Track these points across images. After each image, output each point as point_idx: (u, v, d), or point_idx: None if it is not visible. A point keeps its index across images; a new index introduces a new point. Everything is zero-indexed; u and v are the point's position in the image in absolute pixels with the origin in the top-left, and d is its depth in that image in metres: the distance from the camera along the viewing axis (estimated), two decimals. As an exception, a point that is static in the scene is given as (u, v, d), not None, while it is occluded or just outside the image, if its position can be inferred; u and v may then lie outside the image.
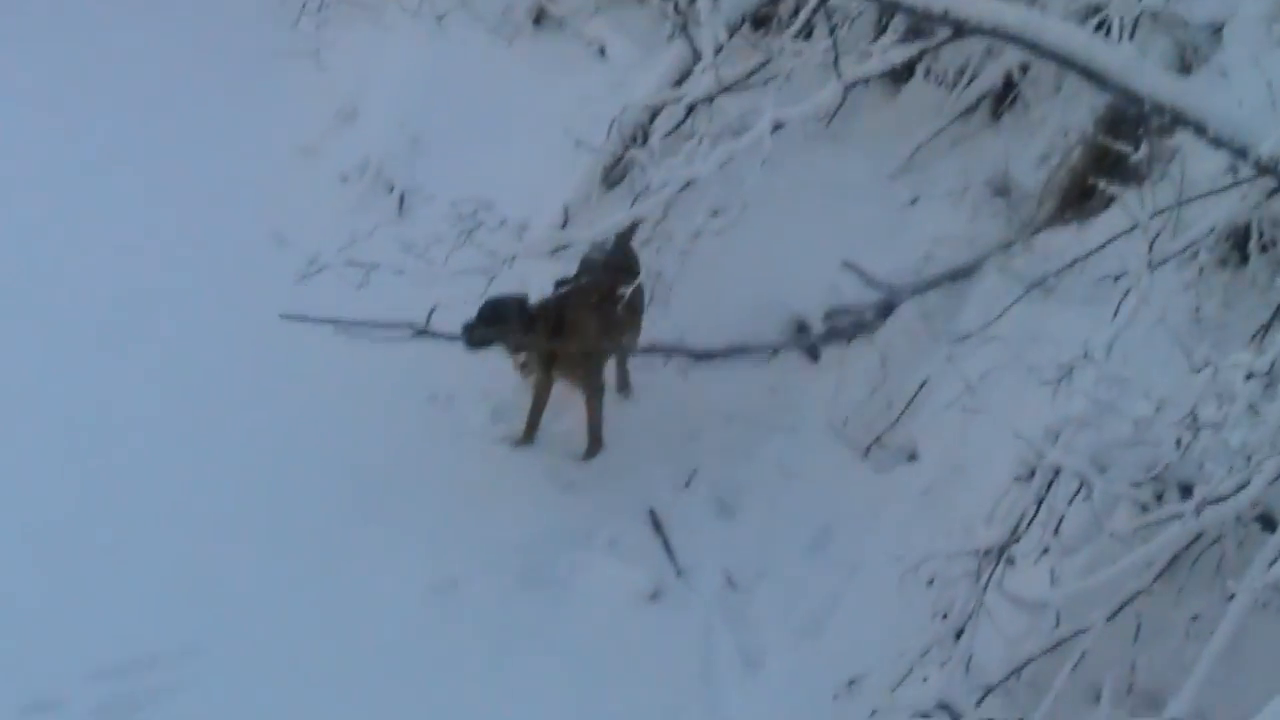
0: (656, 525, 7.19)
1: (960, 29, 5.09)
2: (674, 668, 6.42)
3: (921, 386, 7.73)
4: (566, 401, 7.85)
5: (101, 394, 7.63)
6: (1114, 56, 5.01)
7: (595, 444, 7.79)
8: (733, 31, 8.29)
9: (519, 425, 7.81)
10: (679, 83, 8.76)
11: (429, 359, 8.00)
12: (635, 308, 7.70)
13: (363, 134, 10.25)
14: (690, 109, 8.47)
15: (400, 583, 6.64)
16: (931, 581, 5.34)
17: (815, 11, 8.34)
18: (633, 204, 7.72)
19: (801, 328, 8.59)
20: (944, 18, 5.04)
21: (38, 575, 6.41)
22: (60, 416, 7.44)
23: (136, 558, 6.55)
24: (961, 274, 7.22)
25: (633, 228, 7.17)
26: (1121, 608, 4.93)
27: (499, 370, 7.91)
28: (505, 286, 7.02)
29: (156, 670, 6.04)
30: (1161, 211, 5.63)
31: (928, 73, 9.29)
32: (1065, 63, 5.09)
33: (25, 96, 10.70)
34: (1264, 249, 6.18)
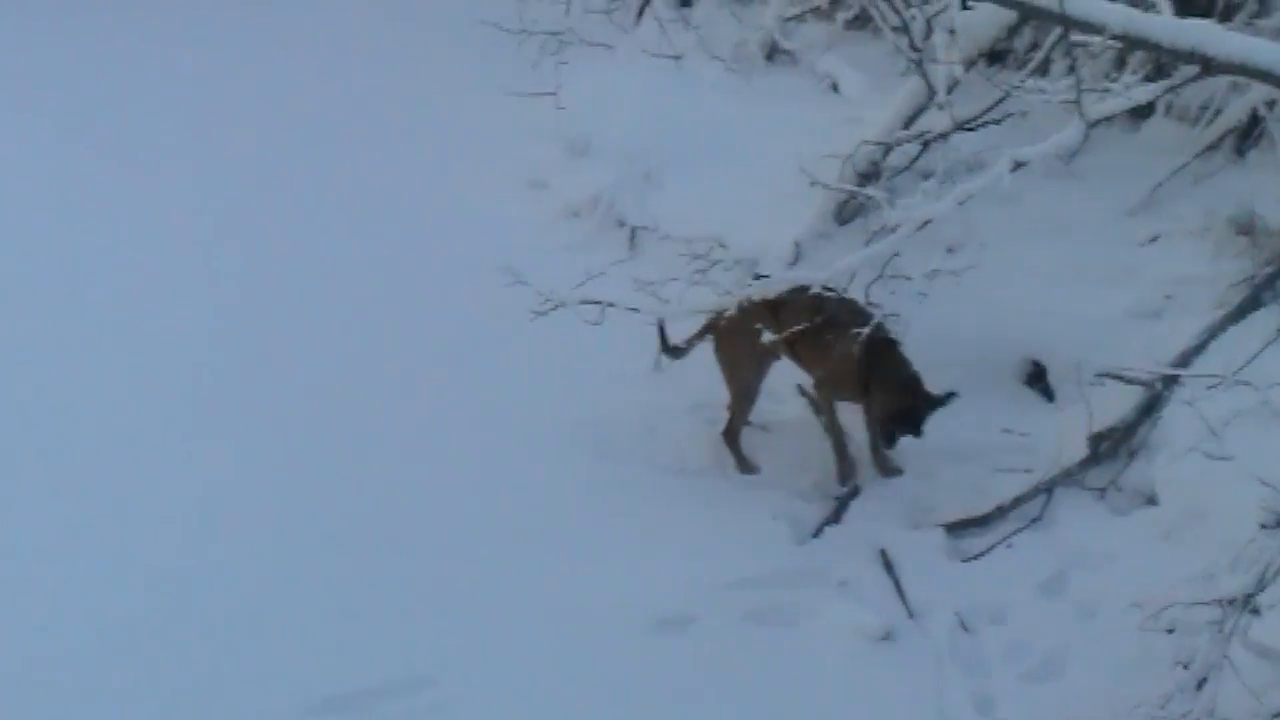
0: (888, 566, 7.12)
1: (1208, 66, 4.98)
2: (905, 711, 6.32)
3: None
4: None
5: (338, 423, 7.84)
6: (1370, 93, 4.89)
7: None
8: (968, 67, 8.24)
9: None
10: (913, 119, 8.74)
11: (651, 399, 8.06)
12: None
13: (594, 169, 10.40)
14: (925, 145, 8.47)
15: (629, 617, 6.64)
16: (1172, 630, 5.25)
17: (1053, 47, 8.27)
18: (868, 242, 7.72)
19: (1035, 368, 8.50)
20: (1191, 55, 4.94)
21: (259, 609, 6.55)
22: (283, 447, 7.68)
23: (365, 589, 6.69)
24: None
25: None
26: (1375, 661, 4.80)
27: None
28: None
29: (384, 701, 6.11)
30: None
31: (1169, 108, 9.13)
32: (1319, 99, 4.98)
33: (271, 135, 11.07)
34: None
